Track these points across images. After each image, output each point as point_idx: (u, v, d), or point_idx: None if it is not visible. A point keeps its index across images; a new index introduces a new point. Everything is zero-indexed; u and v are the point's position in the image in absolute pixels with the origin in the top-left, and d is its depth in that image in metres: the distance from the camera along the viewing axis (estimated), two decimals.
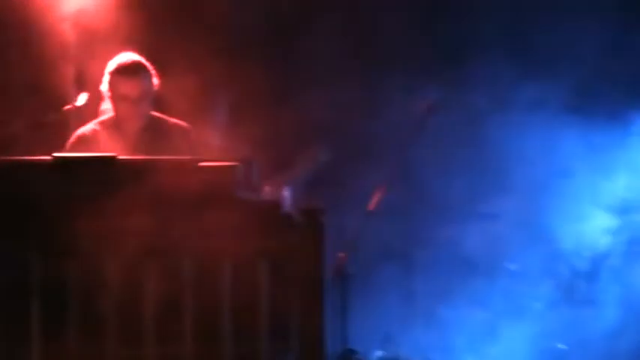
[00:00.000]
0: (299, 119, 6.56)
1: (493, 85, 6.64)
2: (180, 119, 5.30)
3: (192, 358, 4.12)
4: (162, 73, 5.33)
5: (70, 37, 6.25)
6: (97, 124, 5.25)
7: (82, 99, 5.21)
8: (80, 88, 5.49)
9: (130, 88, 5.17)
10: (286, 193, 4.33)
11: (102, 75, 5.34)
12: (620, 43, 6.72)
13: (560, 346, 6.46)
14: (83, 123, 5.17)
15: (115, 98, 5.18)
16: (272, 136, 6.20)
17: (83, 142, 5.20)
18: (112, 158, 4.25)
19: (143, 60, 5.27)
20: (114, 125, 5.24)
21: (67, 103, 5.28)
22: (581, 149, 6.61)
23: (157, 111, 5.29)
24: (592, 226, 6.70)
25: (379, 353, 5.63)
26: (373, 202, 5.67)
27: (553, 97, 6.54)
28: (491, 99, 6.64)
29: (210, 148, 5.49)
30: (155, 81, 5.24)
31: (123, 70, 5.20)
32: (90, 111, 5.21)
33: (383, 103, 6.69)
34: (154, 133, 5.20)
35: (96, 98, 5.25)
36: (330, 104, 6.58)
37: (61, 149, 4.74)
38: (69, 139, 5.09)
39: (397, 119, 6.48)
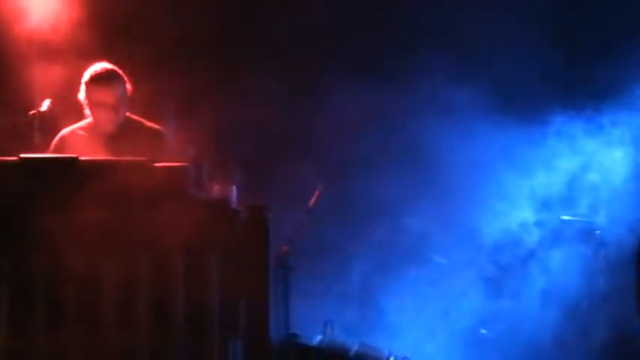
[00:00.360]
0: (240, 120, 6.52)
1: (424, 89, 6.62)
2: None
3: (147, 344, 4.23)
4: None
5: (34, 51, 6.28)
6: (78, 127, 5.39)
7: (45, 105, 5.26)
8: (44, 95, 5.46)
9: (103, 94, 5.30)
10: (233, 191, 4.42)
11: (62, 84, 5.46)
12: (542, 49, 6.76)
13: (482, 331, 6.51)
14: (46, 125, 5.20)
15: (92, 104, 5.30)
16: (214, 136, 6.17)
17: (65, 142, 5.35)
18: (74, 159, 4.37)
19: (116, 69, 5.39)
20: (92, 128, 5.36)
21: (33, 109, 5.28)
22: (505, 149, 6.64)
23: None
24: (515, 222, 6.71)
25: (319, 337, 5.52)
26: (313, 200, 5.75)
27: (480, 100, 6.57)
28: (422, 102, 6.60)
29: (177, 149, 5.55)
30: (128, 87, 5.36)
31: (97, 79, 5.31)
32: (52, 115, 5.26)
33: (321, 104, 6.67)
34: (129, 134, 5.31)
35: (57, 104, 5.29)
36: (271, 105, 6.57)
37: (27, 150, 4.78)
38: (35, 140, 5.12)
39: (335, 120, 6.55)
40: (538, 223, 6.71)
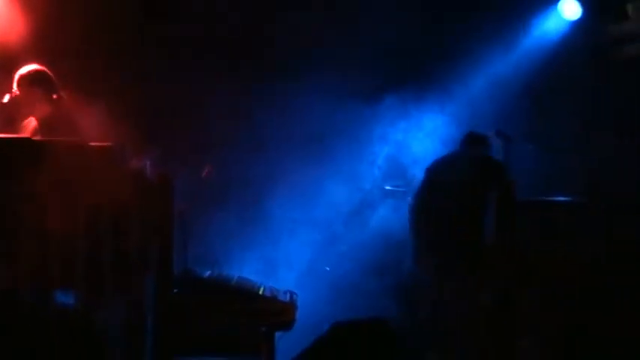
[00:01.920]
0: (153, 111, 7.25)
1: (282, 78, 7.39)
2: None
3: (82, 275, 4.76)
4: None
5: None
6: None
7: (5, 98, 5.76)
8: (5, 91, 5.87)
9: (21, 92, 5.68)
10: (147, 165, 5.08)
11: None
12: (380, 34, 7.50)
13: (326, 268, 7.56)
14: (6, 113, 5.70)
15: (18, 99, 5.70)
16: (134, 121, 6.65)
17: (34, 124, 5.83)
18: (28, 139, 5.04)
19: (37, 72, 5.67)
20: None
21: None
22: (346, 125, 7.45)
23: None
24: (353, 185, 7.64)
25: (208, 272, 5.73)
26: (205, 173, 6.55)
27: (324, 84, 7.27)
28: (280, 90, 7.39)
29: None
30: (47, 87, 5.70)
31: (17, 79, 5.74)
32: (11, 106, 5.72)
33: (210, 102, 7.39)
34: (50, 124, 5.69)
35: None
36: (166, 100, 7.29)
37: None
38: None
39: (221, 114, 7.34)
40: (371, 188, 7.57)
